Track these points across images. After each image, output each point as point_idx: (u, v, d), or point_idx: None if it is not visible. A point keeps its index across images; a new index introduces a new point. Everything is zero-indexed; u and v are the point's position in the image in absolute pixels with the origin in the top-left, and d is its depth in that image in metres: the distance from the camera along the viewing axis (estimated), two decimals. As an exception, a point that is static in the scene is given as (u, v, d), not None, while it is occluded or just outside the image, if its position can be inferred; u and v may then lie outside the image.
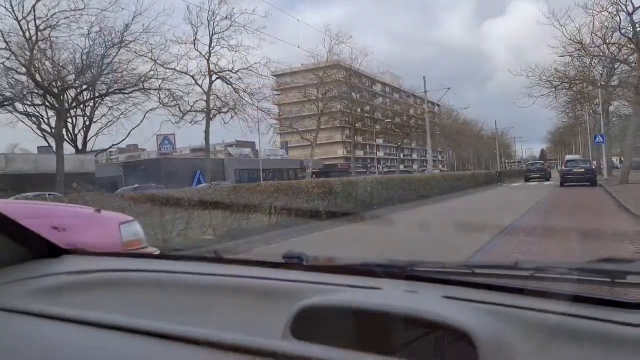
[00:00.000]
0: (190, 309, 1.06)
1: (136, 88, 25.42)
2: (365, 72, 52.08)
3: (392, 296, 0.95)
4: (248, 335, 0.87)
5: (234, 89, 30.62)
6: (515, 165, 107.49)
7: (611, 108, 38.44)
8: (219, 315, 1.03)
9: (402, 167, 78.06)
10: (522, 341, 0.78)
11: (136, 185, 25.37)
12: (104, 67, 24.00)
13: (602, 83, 29.38)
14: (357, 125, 51.03)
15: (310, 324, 0.87)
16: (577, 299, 0.86)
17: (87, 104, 27.91)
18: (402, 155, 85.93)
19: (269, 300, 1.03)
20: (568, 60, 27.61)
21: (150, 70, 25.57)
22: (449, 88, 37.94)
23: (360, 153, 75.88)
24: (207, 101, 30.33)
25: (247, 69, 30.36)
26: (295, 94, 43.89)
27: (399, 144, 60.01)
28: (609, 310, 0.81)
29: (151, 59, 25.85)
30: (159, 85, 27.82)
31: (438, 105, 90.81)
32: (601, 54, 25.14)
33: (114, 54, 24.55)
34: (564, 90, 31.32)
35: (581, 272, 1.04)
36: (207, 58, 30.13)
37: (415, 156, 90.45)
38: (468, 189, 25.40)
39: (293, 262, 1.21)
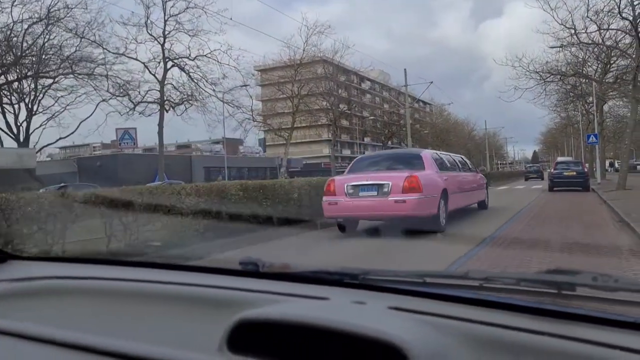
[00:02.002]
0: (127, 318, 1.03)
1: (64, 72, 21.96)
2: (348, 67, 48.70)
3: (336, 308, 0.95)
4: (180, 349, 0.85)
5: (190, 77, 27.19)
6: (507, 166, 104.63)
7: (605, 107, 35.40)
8: (157, 325, 1.00)
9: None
10: (462, 355, 0.77)
11: (62, 184, 21.95)
12: (26, 47, 20.57)
13: (597, 77, 26.04)
14: (338, 122, 47.65)
15: (250, 336, 0.85)
16: (523, 310, 0.86)
17: (23, 93, 24.44)
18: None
19: (210, 310, 1.00)
20: (560, 55, 24.60)
21: (76, 51, 22.11)
22: (431, 82, 34.71)
23: (347, 152, 72.71)
24: (161, 91, 26.90)
25: (205, 55, 26.94)
26: (278, 89, 40.52)
27: (384, 142, 56.60)
28: (554, 322, 0.81)
29: (85, 38, 22.36)
30: (107, 74, 24.49)
31: (428, 104, 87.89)
32: (595, 43, 21.71)
33: (43, 32, 21.06)
34: (554, 84, 28.14)
35: (529, 282, 1.04)
36: (162, 43, 26.70)
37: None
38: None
39: (248, 269, 1.20)
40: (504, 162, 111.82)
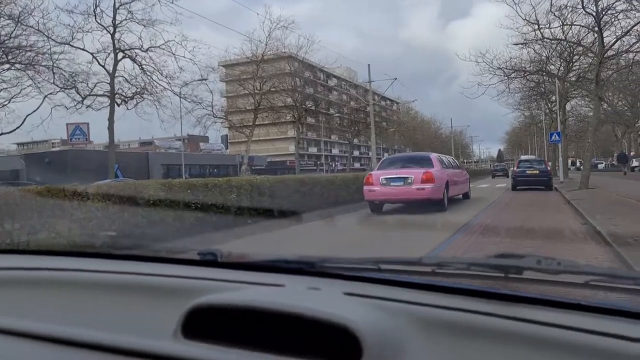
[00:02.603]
0: (85, 308, 1.04)
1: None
2: (314, 63, 47.57)
3: (290, 294, 0.96)
4: (135, 336, 0.86)
5: (143, 69, 25.65)
6: (473, 164, 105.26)
7: (567, 106, 35.27)
8: (114, 315, 1.01)
9: (358, 165, 74.57)
10: (413, 338, 0.79)
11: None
12: None
13: (560, 74, 25.61)
14: (303, 120, 46.55)
15: (205, 322, 0.86)
16: (472, 293, 0.89)
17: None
18: (358, 153, 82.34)
19: (167, 299, 1.00)
20: (523, 52, 24.08)
21: (10, 37, 20.31)
22: (395, 78, 34.06)
23: (313, 150, 71.69)
24: (111, 83, 25.29)
25: (158, 46, 25.44)
26: (240, 85, 39.05)
27: (351, 140, 55.74)
28: (501, 305, 0.84)
29: (23, 23, 20.60)
30: (52, 64, 22.76)
31: (395, 102, 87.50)
32: (558, 39, 21.15)
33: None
34: (518, 82, 27.67)
35: (478, 267, 1.09)
36: (111, 32, 25.08)
37: (372, 154, 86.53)
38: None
39: (206, 259, 1.21)
40: (470, 160, 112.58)
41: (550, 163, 26.49)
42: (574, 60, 28.41)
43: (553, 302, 0.85)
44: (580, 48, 26.76)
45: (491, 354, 0.77)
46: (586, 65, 27.11)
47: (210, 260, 1.20)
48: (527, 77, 25.45)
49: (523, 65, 24.19)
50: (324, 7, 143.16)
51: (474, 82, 22.19)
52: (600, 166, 60.42)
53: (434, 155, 14.13)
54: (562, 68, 29.27)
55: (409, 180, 12.15)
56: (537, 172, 21.76)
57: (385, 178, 12.34)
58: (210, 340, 0.83)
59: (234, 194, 9.11)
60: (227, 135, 46.87)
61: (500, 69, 22.01)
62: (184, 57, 26.98)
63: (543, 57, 27.94)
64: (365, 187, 12.49)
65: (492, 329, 0.80)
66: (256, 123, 37.46)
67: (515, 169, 22.82)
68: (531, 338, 0.77)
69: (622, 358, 0.72)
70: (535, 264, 1.03)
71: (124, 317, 1.00)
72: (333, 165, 69.04)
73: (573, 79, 29.97)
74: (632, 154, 46.15)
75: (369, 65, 32.18)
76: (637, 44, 19.65)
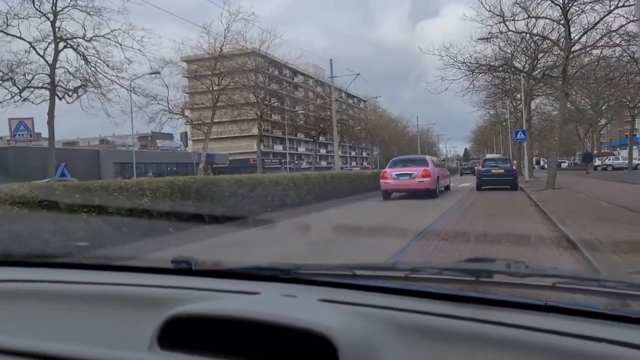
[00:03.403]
0: (58, 320, 1.02)
1: None
2: (277, 58, 45.95)
3: (266, 302, 0.96)
4: (111, 348, 0.84)
5: (86, 60, 23.70)
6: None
7: (532, 105, 34.63)
8: (89, 326, 0.99)
9: (325, 163, 73.29)
10: (389, 342, 0.80)
11: None
12: None
13: (526, 69, 24.71)
14: (266, 117, 44.95)
15: (181, 332, 0.85)
16: (445, 298, 0.91)
17: None
18: (325, 151, 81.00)
19: (143, 309, 0.99)
20: (488, 49, 23.14)
21: None
22: (358, 74, 32.83)
23: (279, 148, 70.05)
24: (52, 75, 23.27)
25: (103, 36, 23.53)
26: (196, 80, 37.09)
27: (316, 138, 54.38)
28: (473, 308, 0.86)
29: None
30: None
31: (363, 101, 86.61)
32: (524, 32, 20.16)
33: None
34: (483, 79, 26.72)
35: (450, 271, 1.12)
36: (52, 20, 23.05)
37: (340, 152, 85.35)
38: (357, 194, 18.45)
39: (180, 267, 1.19)
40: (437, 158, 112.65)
41: (515, 162, 25.59)
42: (538, 58, 27.71)
43: (522, 304, 0.87)
44: (545, 45, 26.12)
45: (463, 354, 0.78)
46: (551, 63, 26.43)
47: (184, 269, 1.18)
48: (492, 73, 24.38)
49: (488, 61, 23.14)
50: (293, 5, 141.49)
51: (438, 77, 20.99)
52: (564, 165, 60.64)
53: (428, 157, 19.93)
54: (527, 65, 28.60)
55: (413, 176, 16.74)
56: (503, 171, 20.73)
57: (396, 174, 17.06)
58: (188, 351, 0.81)
59: (147, 199, 7.54)
60: (186, 132, 44.81)
61: (464, 63, 20.88)
62: (131, 47, 24.96)
63: (508, 54, 27.24)
64: (381, 180, 17.23)
65: (465, 333, 0.81)
66: (217, 120, 35.78)
67: (480, 168, 21.72)
68: (503, 340, 0.79)
69: (588, 358, 0.74)
70: (504, 267, 1.08)
71: (97, 329, 0.96)
72: (298, 163, 67.54)
73: (538, 77, 29.45)
74: (594, 152, 46.08)
75: (330, 60, 30.99)
76: (604, 39, 18.78)
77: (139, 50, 26.39)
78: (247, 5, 69.65)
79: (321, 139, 65.90)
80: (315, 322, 0.81)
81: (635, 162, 40.89)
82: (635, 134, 62.47)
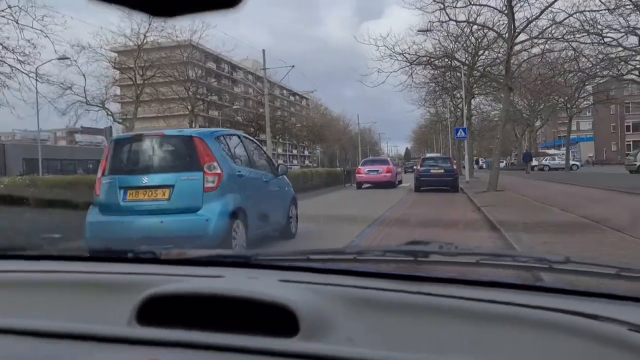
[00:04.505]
0: (35, 307, 1.06)
1: None
2: (207, 49, 43.00)
3: (232, 282, 1.04)
4: (90, 324, 0.90)
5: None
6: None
7: (472, 103, 33.49)
8: (63, 309, 1.04)
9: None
10: (340, 313, 0.90)
11: None
12: None
13: (467, 63, 23.19)
14: (198, 111, 41.94)
15: (157, 311, 0.91)
16: (388, 276, 1.02)
17: None
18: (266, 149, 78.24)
19: (117, 293, 1.04)
20: (428, 45, 21.49)
21: None
22: (293, 66, 30.62)
23: (216, 144, 66.91)
24: None
25: (-5, 11, 20.05)
26: (117, 69, 33.61)
27: (254, 134, 51.68)
28: (412, 284, 0.96)
29: None
30: None
31: (305, 98, 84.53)
32: (466, 21, 18.51)
33: None
34: (423, 75, 25.14)
35: (392, 253, 1.27)
36: None
37: (280, 150, 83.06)
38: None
39: (146, 256, 1.27)
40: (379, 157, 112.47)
41: (455, 161, 24.13)
42: (479, 54, 26.52)
43: (453, 279, 1.00)
44: (486, 41, 24.88)
45: (403, 322, 0.89)
46: (490, 60, 25.29)
47: (150, 258, 1.25)
48: (432, 66, 22.73)
49: (428, 53, 21.44)
50: None
51: (374, 69, 19.02)
52: (501, 165, 60.73)
53: (389, 159, 28.63)
54: (467, 62, 27.37)
55: (379, 172, 22.09)
56: (443, 171, 19.02)
57: (367, 170, 22.71)
58: (163, 326, 0.87)
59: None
60: (110, 127, 41.01)
61: (402, 54, 19.00)
62: (31, 27, 21.53)
63: (448, 49, 25.86)
64: (357, 175, 23.07)
65: (403, 303, 0.93)
66: (143, 116, 32.63)
67: (418, 167, 19.90)
68: (434, 308, 0.91)
69: (505, 319, 0.87)
70: (438, 248, 1.22)
71: (76, 312, 1.01)
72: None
73: (478, 74, 28.35)
74: (531, 152, 45.86)
75: (263, 50, 28.50)
76: (549, 30, 17.37)
77: (41, 30, 22.86)
78: None
79: (262, 136, 63.26)
80: (278, 296, 0.89)
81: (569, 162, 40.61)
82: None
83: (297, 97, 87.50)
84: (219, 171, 5.83)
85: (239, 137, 7.23)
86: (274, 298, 0.89)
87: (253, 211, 6.27)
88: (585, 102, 41.35)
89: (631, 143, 60.51)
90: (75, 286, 1.11)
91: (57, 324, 0.91)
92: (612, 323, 0.83)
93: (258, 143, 8.21)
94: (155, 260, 1.23)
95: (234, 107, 53.65)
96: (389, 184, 21.75)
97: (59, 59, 24.60)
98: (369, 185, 22.05)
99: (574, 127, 42.82)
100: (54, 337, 0.88)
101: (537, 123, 48.87)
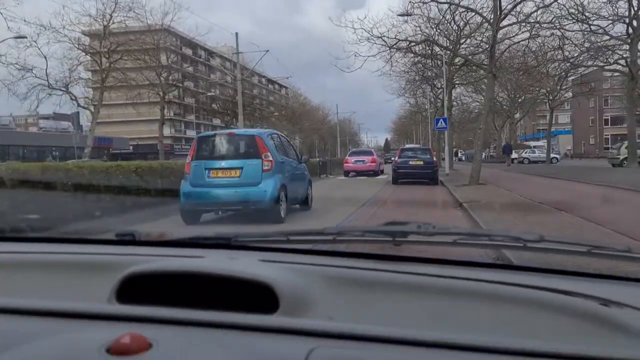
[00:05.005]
0: (10, 285, 1.06)
1: None
2: (179, 32, 41.14)
3: (213, 262, 1.02)
4: (69, 302, 0.89)
5: None
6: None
7: (453, 93, 32.38)
8: (42, 288, 1.04)
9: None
10: (320, 291, 0.91)
11: None
12: None
13: (450, 48, 21.94)
14: (171, 99, 40.10)
15: (137, 290, 0.90)
16: (366, 256, 1.06)
17: None
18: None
19: (97, 273, 1.04)
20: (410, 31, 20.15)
21: None
22: (267, 50, 29.31)
23: (192, 133, 64.85)
24: None
25: None
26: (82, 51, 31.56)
27: (229, 123, 50.04)
28: (390, 263, 1.00)
29: None
30: None
31: (284, 87, 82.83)
32: (447, 2, 17.22)
33: None
34: (403, 62, 23.87)
35: (371, 233, 1.24)
36: None
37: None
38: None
39: (125, 239, 1.25)
40: (358, 148, 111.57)
41: (435, 153, 22.97)
42: (460, 42, 25.37)
43: (430, 259, 1.04)
44: (468, 29, 23.71)
45: (382, 299, 0.91)
46: (473, 47, 24.12)
47: (129, 240, 1.24)
48: (412, 50, 21.36)
49: (408, 39, 20.06)
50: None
51: (351, 52, 17.63)
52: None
53: (373, 150, 31.84)
54: (450, 47, 26.27)
55: (365, 162, 24.74)
56: (422, 163, 17.78)
57: (354, 160, 25.09)
58: (143, 304, 0.86)
59: None
60: (78, 112, 38.85)
61: (381, 37, 17.63)
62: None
63: (430, 36, 24.65)
64: (345, 164, 25.33)
65: (382, 281, 0.94)
66: (111, 102, 30.77)
67: (396, 159, 18.62)
68: (412, 286, 0.94)
69: (481, 296, 0.89)
70: (416, 228, 1.20)
71: (56, 291, 1.01)
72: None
73: (459, 64, 27.25)
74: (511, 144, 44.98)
75: (236, 33, 26.94)
76: (536, 13, 16.19)
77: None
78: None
79: (239, 125, 61.48)
80: (258, 274, 0.89)
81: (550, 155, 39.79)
82: (546, 129, 63.28)
83: (277, 86, 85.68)
84: (271, 159, 8.14)
85: (279, 135, 9.90)
86: (254, 276, 0.89)
87: (289, 187, 8.57)
88: (566, 95, 40.64)
89: (609, 137, 60.28)
90: (55, 267, 1.11)
91: (35, 301, 0.89)
92: (584, 299, 0.86)
93: (288, 139, 10.77)
94: (136, 242, 1.24)
95: (209, 94, 51.69)
96: (374, 173, 24.46)
97: (15, 37, 22.75)
98: (354, 174, 24.40)
99: (552, 120, 41.97)
100: (29, 314, 0.87)
101: (517, 115, 48.12)
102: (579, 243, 1.19)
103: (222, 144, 8.61)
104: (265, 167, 8.06)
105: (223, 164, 8.17)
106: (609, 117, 61.40)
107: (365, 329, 0.78)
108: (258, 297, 0.86)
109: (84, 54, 30.22)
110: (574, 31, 20.11)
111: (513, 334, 0.80)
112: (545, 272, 0.99)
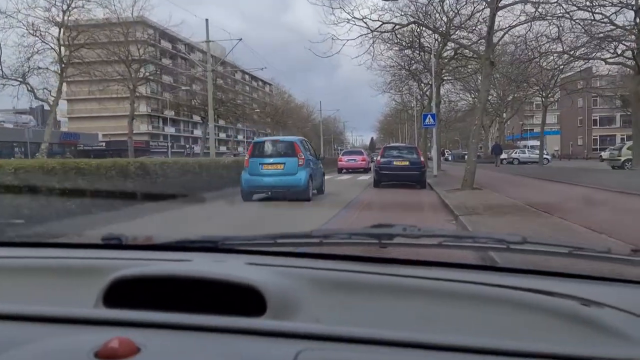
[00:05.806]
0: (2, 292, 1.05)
1: None
2: (153, 22, 38.48)
3: (200, 265, 1.02)
4: (56, 307, 0.88)
5: None
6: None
7: (441, 91, 30.25)
8: (28, 293, 1.02)
9: (225, 149, 66.51)
10: (307, 293, 0.91)
11: None
12: None
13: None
14: (143, 93, 37.43)
15: (124, 294, 0.90)
16: (352, 258, 1.07)
17: None
18: (225, 135, 73.79)
19: (83, 277, 1.03)
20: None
21: None
22: (240, 39, 26.90)
23: (170, 130, 62.04)
24: None
25: None
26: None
27: (205, 119, 47.40)
28: (377, 265, 1.01)
29: None
30: None
31: (268, 84, 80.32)
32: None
33: None
34: (386, 51, 21.59)
35: (357, 236, 1.23)
36: None
37: (241, 137, 78.74)
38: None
39: (112, 242, 1.24)
40: (343, 147, 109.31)
41: (422, 153, 20.77)
42: (450, 33, 23.24)
43: (415, 261, 1.05)
44: (459, 19, 21.59)
45: (368, 301, 0.92)
46: (466, 34, 22.02)
47: (116, 244, 1.23)
48: (398, 37, 19.09)
49: (393, 22, 17.76)
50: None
51: (327, 35, 15.35)
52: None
53: (363, 150, 37.37)
54: (437, 43, 24.18)
55: (356, 160, 28.81)
56: (408, 163, 15.44)
57: (347, 159, 29.09)
58: (131, 307, 0.86)
59: None
60: (42, 106, 35.99)
61: (363, 19, 15.30)
62: None
63: (415, 33, 22.60)
64: (338, 162, 29.03)
65: (368, 284, 0.95)
66: (74, 97, 28.13)
67: (379, 158, 16.24)
68: (398, 288, 0.94)
69: (465, 297, 0.90)
70: (401, 231, 1.19)
71: (42, 296, 1.00)
72: (191, 147, 60.25)
73: (447, 57, 25.25)
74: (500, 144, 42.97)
75: (207, 20, 24.40)
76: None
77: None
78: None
79: (221, 122, 58.86)
80: (245, 278, 0.89)
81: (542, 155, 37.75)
82: (533, 129, 61.54)
83: (260, 83, 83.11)
84: (303, 157, 11.56)
85: (306, 141, 13.55)
86: (241, 279, 0.88)
87: (313, 177, 11.91)
88: (558, 94, 38.77)
89: (598, 137, 58.67)
90: (41, 271, 1.09)
91: (22, 306, 0.88)
92: (566, 299, 0.87)
93: (310, 143, 14.26)
94: (123, 246, 1.22)
95: (184, 88, 49.01)
96: (364, 170, 27.33)
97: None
98: (346, 170, 27.43)
99: (540, 120, 40.02)
100: (16, 319, 0.85)
101: (505, 115, 46.26)
102: (561, 244, 1.20)
103: (270, 146, 12.02)
104: (300, 163, 11.32)
105: (271, 160, 11.46)
106: (598, 118, 59.78)
107: (352, 331, 0.79)
108: (245, 300, 0.85)
109: (40, 42, 27.49)
110: (575, 19, 17.94)
111: (497, 335, 0.81)
112: (528, 273, 1.01)
